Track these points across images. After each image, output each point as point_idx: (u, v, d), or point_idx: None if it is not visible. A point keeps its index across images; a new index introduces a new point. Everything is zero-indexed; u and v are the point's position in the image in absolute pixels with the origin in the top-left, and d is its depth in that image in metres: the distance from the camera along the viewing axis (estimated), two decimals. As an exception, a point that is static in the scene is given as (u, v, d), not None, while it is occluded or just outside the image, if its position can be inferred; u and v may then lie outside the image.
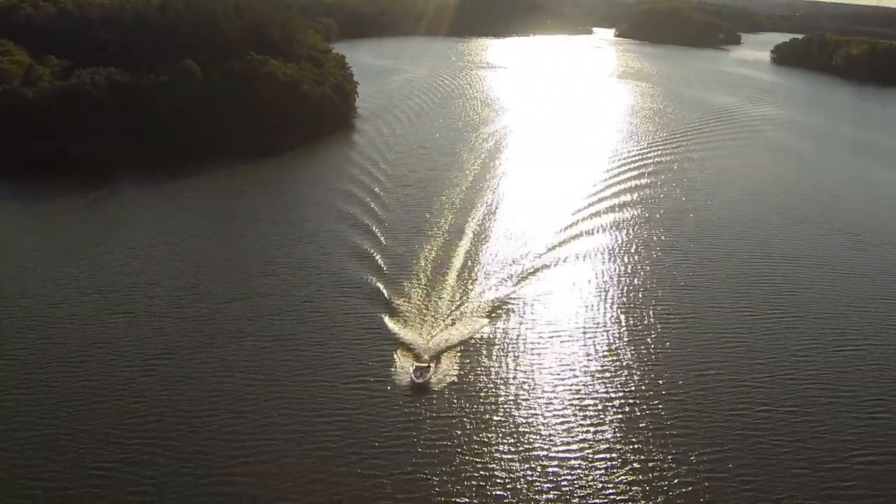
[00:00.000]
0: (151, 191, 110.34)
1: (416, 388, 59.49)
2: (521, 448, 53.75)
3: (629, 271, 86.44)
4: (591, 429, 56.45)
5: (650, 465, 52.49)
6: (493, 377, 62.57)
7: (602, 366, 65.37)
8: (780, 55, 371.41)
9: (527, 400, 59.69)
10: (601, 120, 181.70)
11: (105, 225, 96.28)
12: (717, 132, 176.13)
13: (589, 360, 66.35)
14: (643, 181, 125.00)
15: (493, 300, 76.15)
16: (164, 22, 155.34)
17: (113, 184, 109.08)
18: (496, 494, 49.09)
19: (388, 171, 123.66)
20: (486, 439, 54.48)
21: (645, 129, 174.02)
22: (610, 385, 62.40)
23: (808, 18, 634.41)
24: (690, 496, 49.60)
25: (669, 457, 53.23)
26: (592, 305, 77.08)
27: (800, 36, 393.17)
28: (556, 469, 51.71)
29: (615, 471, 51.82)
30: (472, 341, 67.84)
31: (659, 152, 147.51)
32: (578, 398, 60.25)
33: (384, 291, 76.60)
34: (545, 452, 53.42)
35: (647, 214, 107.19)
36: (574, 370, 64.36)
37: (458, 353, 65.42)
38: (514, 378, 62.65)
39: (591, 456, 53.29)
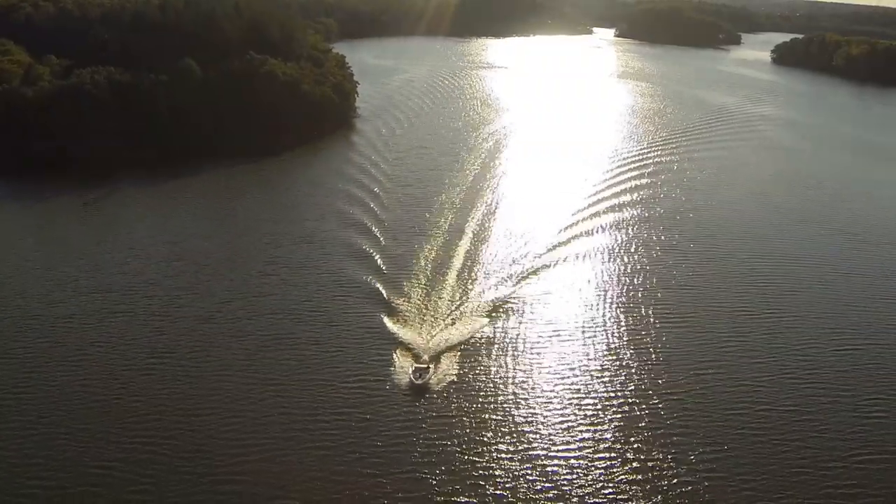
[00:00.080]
0: (151, 191, 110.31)
1: (415, 389, 59.41)
2: (520, 448, 53.72)
3: (629, 271, 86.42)
4: (591, 428, 56.43)
5: (650, 464, 52.47)
6: (492, 378, 62.53)
7: (602, 366, 65.35)
8: (780, 55, 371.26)
9: (526, 400, 59.67)
10: (601, 120, 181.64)
11: (105, 225, 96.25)
12: (718, 132, 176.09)
13: (589, 359, 66.32)
14: (643, 181, 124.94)
15: (492, 300, 76.11)
16: (164, 21, 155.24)
17: (113, 184, 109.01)
18: (496, 494, 49.08)
19: (388, 170, 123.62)
20: (485, 439, 54.43)
21: (645, 128, 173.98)
22: (610, 385, 62.37)
23: (808, 18, 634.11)
24: (690, 496, 49.58)
25: (669, 457, 53.21)
26: (592, 305, 77.06)
27: (800, 36, 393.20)
28: (555, 469, 51.67)
29: (615, 470, 51.81)
30: (472, 341, 67.80)
31: (659, 152, 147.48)
32: (578, 398, 60.22)
33: (384, 291, 76.57)
34: (545, 452, 53.39)
35: (647, 214, 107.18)
36: (574, 370, 64.33)
37: (458, 354, 65.36)
38: (514, 378, 62.61)
39: (590, 456, 53.27)
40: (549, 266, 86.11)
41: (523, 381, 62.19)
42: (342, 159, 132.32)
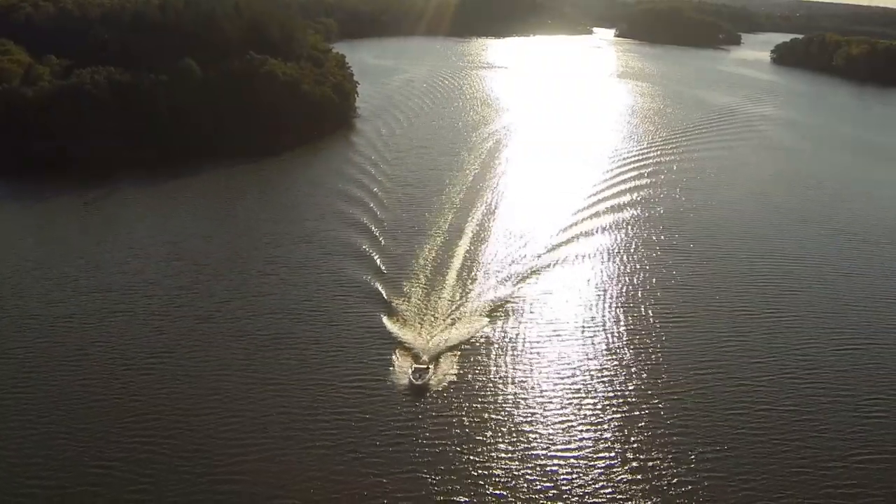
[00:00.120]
0: (151, 191, 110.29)
1: (415, 390, 59.30)
2: (520, 448, 53.66)
3: (629, 271, 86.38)
4: (591, 428, 56.40)
5: (650, 464, 52.44)
6: (492, 378, 62.47)
7: (602, 366, 65.31)
8: (780, 55, 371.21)
9: (526, 400, 59.61)
10: (601, 120, 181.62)
11: (105, 224, 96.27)
12: (718, 132, 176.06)
13: (589, 359, 66.29)
14: (643, 181, 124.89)
15: (492, 300, 76.03)
16: (164, 21, 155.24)
17: (113, 184, 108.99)
18: (495, 494, 49.05)
19: (388, 170, 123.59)
20: (485, 439, 54.37)
21: (645, 128, 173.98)
22: (610, 385, 62.32)
23: (808, 18, 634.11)
24: (690, 496, 49.54)
25: (669, 457, 53.17)
26: (592, 305, 77.01)
27: (800, 36, 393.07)
28: (555, 469, 51.62)
29: (615, 470, 51.76)
30: (472, 342, 67.70)
31: (659, 152, 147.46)
32: (578, 398, 60.17)
33: (383, 291, 76.52)
34: (545, 452, 53.34)
35: (647, 214, 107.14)
36: (574, 370, 64.29)
37: (458, 354, 65.27)
38: (514, 379, 62.55)
39: (590, 456, 53.22)
40: (548, 266, 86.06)
41: (523, 382, 62.14)
42: (342, 159, 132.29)
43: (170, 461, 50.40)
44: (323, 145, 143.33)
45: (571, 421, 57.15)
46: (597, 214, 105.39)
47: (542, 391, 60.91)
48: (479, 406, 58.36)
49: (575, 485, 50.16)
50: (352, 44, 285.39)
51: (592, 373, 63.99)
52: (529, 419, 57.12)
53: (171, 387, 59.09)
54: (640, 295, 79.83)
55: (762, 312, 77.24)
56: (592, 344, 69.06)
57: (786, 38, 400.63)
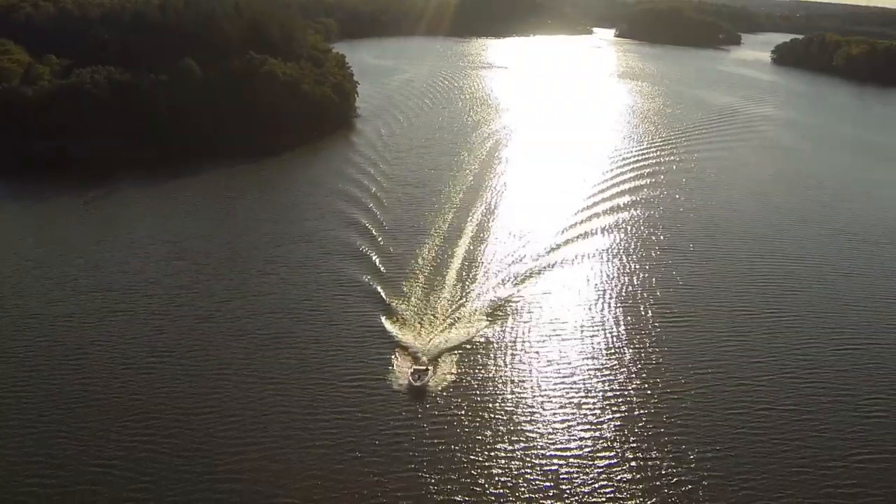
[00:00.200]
0: (151, 190, 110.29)
1: (414, 391, 59.22)
2: (520, 448, 53.65)
3: (629, 271, 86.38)
4: (591, 428, 56.39)
5: (650, 464, 52.44)
6: (491, 379, 62.45)
7: (602, 365, 65.30)
8: (780, 55, 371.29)
9: (526, 400, 59.60)
10: (601, 120, 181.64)
11: (105, 224, 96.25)
12: (718, 132, 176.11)
13: (588, 359, 66.26)
14: (643, 181, 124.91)
15: (492, 301, 76.01)
16: (164, 21, 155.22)
17: (113, 183, 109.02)
18: (495, 494, 49.05)
19: (388, 170, 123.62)
20: (484, 440, 54.37)
21: (645, 128, 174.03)
22: (610, 384, 62.32)
23: (807, 18, 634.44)
24: (690, 496, 49.54)
25: (669, 457, 53.17)
26: (592, 305, 77.02)
27: (800, 36, 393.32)
28: (555, 469, 51.62)
29: (615, 470, 51.76)
30: (471, 343, 67.65)
31: (659, 152, 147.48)
32: (578, 398, 60.17)
33: (383, 292, 76.47)
34: (545, 452, 53.35)
35: (646, 214, 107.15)
36: (573, 370, 64.27)
37: (457, 355, 65.21)
38: (514, 379, 62.52)
39: (590, 456, 53.22)
40: (548, 266, 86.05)
41: (523, 382, 62.13)
42: (342, 159, 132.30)
43: (170, 460, 50.41)
44: (323, 145, 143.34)
45: (571, 421, 57.15)
46: (597, 215, 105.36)
47: (541, 391, 60.89)
48: (478, 407, 58.30)
49: (575, 485, 50.17)
50: (352, 44, 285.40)
51: (592, 373, 63.99)
52: (529, 419, 57.11)
53: (171, 386, 59.10)
54: (640, 295, 79.81)
55: (762, 312, 77.24)
56: (592, 344, 69.05)
57: (786, 38, 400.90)
